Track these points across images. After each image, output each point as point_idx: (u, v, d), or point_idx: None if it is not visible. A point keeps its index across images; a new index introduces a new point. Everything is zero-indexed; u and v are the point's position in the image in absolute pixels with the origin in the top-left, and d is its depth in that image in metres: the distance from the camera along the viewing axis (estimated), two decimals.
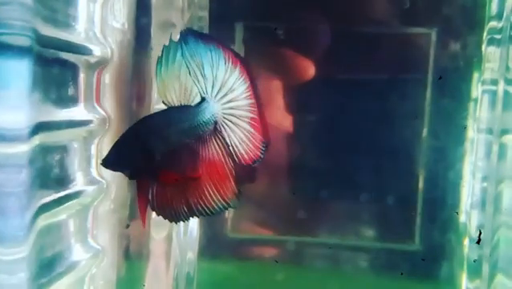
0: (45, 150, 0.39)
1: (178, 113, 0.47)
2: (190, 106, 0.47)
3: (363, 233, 0.58)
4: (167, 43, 0.47)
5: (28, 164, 0.34)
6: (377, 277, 0.58)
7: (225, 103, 0.49)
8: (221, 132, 0.48)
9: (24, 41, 0.33)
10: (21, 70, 0.33)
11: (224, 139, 0.49)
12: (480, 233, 0.53)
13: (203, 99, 0.47)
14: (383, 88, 0.57)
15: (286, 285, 0.58)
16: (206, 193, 0.48)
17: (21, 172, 0.34)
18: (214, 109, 0.48)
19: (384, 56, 0.57)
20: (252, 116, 0.50)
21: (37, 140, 0.36)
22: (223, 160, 0.49)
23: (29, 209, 0.35)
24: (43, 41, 0.37)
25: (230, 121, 0.49)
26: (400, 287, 0.58)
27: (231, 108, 0.49)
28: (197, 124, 0.47)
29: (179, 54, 0.46)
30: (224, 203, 0.49)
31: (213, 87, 0.48)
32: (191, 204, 0.48)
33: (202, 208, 0.48)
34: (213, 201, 0.48)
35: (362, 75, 0.57)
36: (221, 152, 0.49)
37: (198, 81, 0.47)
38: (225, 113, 0.49)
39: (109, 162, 0.45)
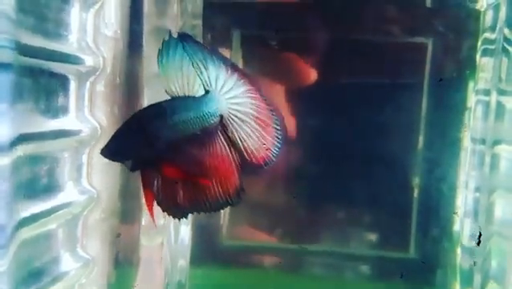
0: (32, 160, 0.39)
1: (183, 102, 0.45)
2: (195, 96, 0.46)
3: (360, 241, 0.58)
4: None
5: (10, 176, 0.33)
6: (373, 284, 0.58)
7: (229, 98, 0.47)
8: (227, 127, 0.48)
9: (5, 53, 0.33)
10: (1, 82, 0.33)
11: (231, 133, 0.48)
12: (480, 234, 0.53)
13: (207, 92, 0.46)
14: (378, 97, 0.57)
15: None
16: (210, 187, 0.47)
17: (1, 184, 0.33)
18: (219, 102, 0.47)
19: (379, 65, 0.57)
20: (259, 116, 0.49)
21: (20, 151, 0.35)
22: (229, 155, 0.48)
23: (10, 221, 0.34)
24: (30, 52, 0.36)
25: (236, 116, 0.48)
26: None
27: (237, 104, 0.48)
28: (202, 114, 0.46)
29: (180, 47, 0.45)
30: (226, 199, 0.47)
31: (216, 81, 0.47)
32: (193, 197, 0.47)
33: (204, 202, 0.47)
34: (216, 196, 0.47)
35: (357, 83, 0.57)
36: (228, 147, 0.48)
37: (201, 73, 0.46)
38: (230, 108, 0.48)
39: (109, 152, 0.43)
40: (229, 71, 0.48)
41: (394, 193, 0.58)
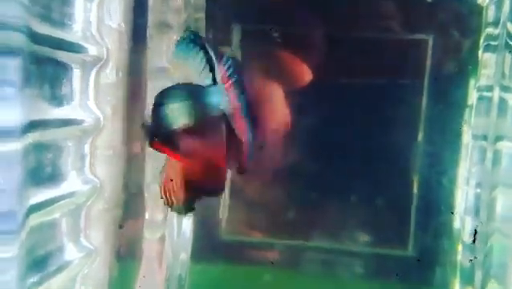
0: (38, 148, 0.39)
1: (195, 87, 0.45)
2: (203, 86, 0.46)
3: (358, 238, 0.58)
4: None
5: (20, 162, 0.34)
6: (370, 282, 0.58)
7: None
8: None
9: (17, 38, 0.33)
10: (13, 67, 0.33)
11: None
12: (475, 232, 0.53)
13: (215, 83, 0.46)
14: (379, 93, 0.57)
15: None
16: (201, 172, 0.47)
17: (13, 170, 0.33)
18: (224, 96, 0.47)
19: (380, 62, 0.57)
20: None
21: (30, 137, 0.35)
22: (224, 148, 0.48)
23: (20, 207, 0.34)
24: (38, 39, 0.37)
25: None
26: None
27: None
28: (210, 102, 0.46)
29: (198, 40, 0.46)
30: (211, 188, 0.48)
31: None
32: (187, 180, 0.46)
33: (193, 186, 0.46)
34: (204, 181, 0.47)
35: (358, 79, 0.58)
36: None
37: (213, 68, 0.46)
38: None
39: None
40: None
41: (394, 190, 0.58)
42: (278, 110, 0.57)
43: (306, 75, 0.56)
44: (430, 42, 0.57)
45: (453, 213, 0.56)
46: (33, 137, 0.36)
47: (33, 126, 0.36)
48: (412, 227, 0.58)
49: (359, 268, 0.59)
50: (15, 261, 0.34)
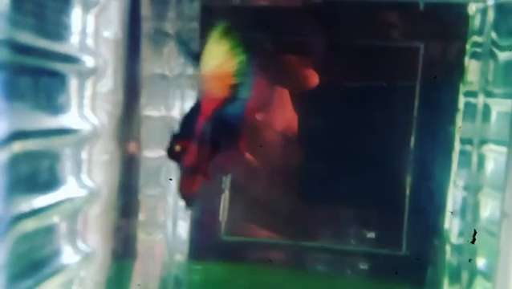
0: (32, 156, 0.40)
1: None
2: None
3: (356, 237, 0.60)
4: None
5: (5, 172, 0.34)
6: (365, 281, 0.60)
7: None
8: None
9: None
10: None
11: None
12: (475, 232, 0.54)
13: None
14: (372, 100, 0.58)
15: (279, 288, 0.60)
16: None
17: None
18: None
19: (374, 68, 0.58)
20: None
21: (17, 147, 0.36)
22: None
23: (5, 215, 0.35)
24: (28, 51, 0.38)
25: None
26: None
27: None
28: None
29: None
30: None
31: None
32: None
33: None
34: None
35: (350, 86, 0.59)
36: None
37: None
38: None
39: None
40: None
41: (387, 192, 0.59)
42: (285, 113, 0.59)
43: (312, 78, 0.57)
44: (422, 50, 0.58)
45: (452, 212, 0.57)
46: (23, 146, 0.37)
47: (23, 136, 0.37)
48: (405, 228, 0.59)
49: (356, 268, 0.60)
50: (1, 268, 0.34)
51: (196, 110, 0.49)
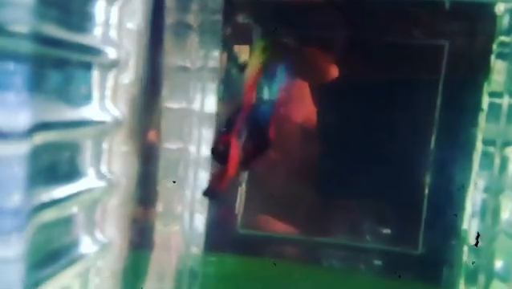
0: (54, 147, 0.41)
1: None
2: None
3: (372, 234, 0.60)
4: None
5: (25, 163, 0.35)
6: (379, 278, 0.60)
7: None
8: None
9: (23, 44, 0.33)
10: (21, 72, 0.33)
11: None
12: (478, 235, 0.53)
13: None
14: (395, 96, 0.58)
15: (293, 283, 0.60)
16: None
17: (17, 170, 0.34)
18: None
19: (396, 65, 0.58)
20: None
21: (38, 139, 0.36)
22: None
23: (25, 206, 0.35)
24: (52, 43, 0.38)
25: None
26: None
27: None
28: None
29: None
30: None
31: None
32: None
33: None
34: None
35: (373, 83, 0.58)
36: None
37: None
38: None
39: None
40: None
41: (405, 191, 0.59)
42: (305, 107, 0.58)
43: (332, 70, 0.57)
44: (446, 48, 0.57)
45: (456, 215, 0.57)
46: (45, 138, 0.38)
47: (45, 128, 0.37)
48: (422, 227, 0.59)
49: (372, 265, 0.60)
50: (20, 258, 0.35)
51: (237, 111, 0.53)
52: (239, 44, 0.58)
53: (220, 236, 0.60)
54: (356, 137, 0.58)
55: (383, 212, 0.59)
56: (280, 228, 0.60)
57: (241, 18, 0.58)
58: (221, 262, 0.60)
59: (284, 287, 0.60)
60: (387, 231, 0.59)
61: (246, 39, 0.58)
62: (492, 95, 0.56)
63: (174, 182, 0.58)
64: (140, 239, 0.56)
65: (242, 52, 0.58)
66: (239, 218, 0.60)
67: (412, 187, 0.59)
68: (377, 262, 0.60)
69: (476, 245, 0.54)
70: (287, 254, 0.61)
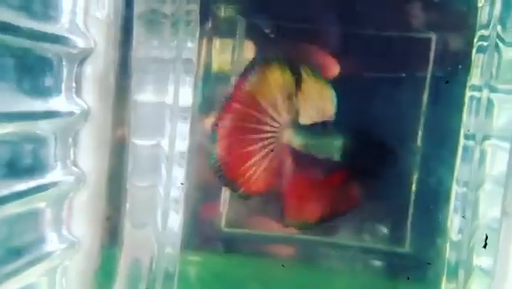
0: (15, 139, 0.39)
1: None
2: None
3: (358, 234, 0.59)
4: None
5: None
6: (365, 277, 0.59)
7: None
8: None
9: None
10: None
11: None
12: (486, 237, 0.53)
13: None
14: (382, 91, 0.57)
15: (278, 281, 0.59)
16: None
17: None
18: None
19: (383, 59, 0.57)
20: None
21: None
22: None
23: None
24: (15, 32, 0.36)
25: None
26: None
27: None
28: None
29: None
30: None
31: None
32: None
33: None
34: None
35: (361, 77, 0.58)
36: None
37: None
38: None
39: None
40: None
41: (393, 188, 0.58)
42: None
43: (334, 67, 0.56)
44: (433, 41, 0.57)
45: (463, 216, 0.56)
46: (4, 129, 0.36)
47: (4, 118, 0.36)
48: (409, 225, 0.58)
49: (360, 264, 0.59)
50: None
51: None
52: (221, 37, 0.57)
53: (203, 234, 0.59)
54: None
55: (370, 210, 0.58)
56: (265, 226, 0.59)
57: (221, 8, 0.57)
58: (203, 262, 0.59)
59: (269, 286, 0.59)
60: (382, 229, 0.59)
61: (229, 32, 0.56)
62: (472, 88, 0.56)
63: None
64: (111, 238, 0.54)
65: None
66: (223, 216, 0.59)
67: (399, 183, 0.58)
68: (370, 261, 0.59)
69: (485, 247, 0.53)
70: (269, 252, 0.60)
